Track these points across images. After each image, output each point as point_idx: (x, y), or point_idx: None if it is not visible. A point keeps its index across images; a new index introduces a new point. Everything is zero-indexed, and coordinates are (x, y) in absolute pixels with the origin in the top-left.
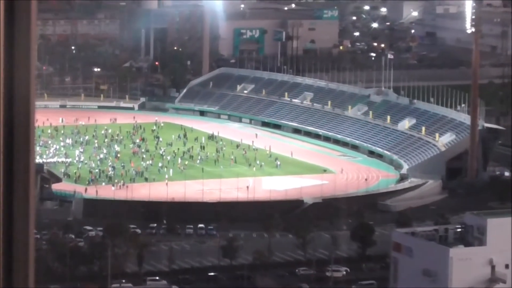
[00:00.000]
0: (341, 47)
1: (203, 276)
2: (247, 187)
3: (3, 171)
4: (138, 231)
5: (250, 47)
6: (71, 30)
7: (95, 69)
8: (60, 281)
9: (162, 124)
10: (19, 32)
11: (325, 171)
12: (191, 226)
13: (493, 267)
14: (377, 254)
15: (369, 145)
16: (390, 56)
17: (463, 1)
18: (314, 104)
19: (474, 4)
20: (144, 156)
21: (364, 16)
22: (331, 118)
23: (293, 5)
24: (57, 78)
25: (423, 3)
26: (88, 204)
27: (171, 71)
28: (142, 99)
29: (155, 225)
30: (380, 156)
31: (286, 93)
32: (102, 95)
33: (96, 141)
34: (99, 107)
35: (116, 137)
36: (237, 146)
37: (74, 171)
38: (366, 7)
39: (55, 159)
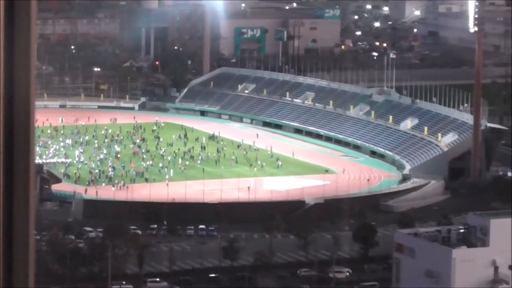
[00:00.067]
0: (342, 47)
1: (204, 277)
2: (248, 187)
3: (3, 171)
4: (139, 232)
5: (251, 47)
6: (71, 29)
7: (95, 69)
8: (60, 283)
9: (162, 124)
10: (19, 32)
11: (326, 171)
12: (192, 227)
13: (496, 268)
14: (379, 255)
15: (371, 145)
16: (392, 55)
17: (466, 0)
18: (316, 104)
19: (477, 3)
20: (145, 156)
21: (366, 15)
22: (333, 118)
23: (295, 4)
24: (57, 77)
25: (426, 2)
26: (88, 205)
27: (171, 71)
28: (143, 99)
29: (156, 226)
30: (382, 156)
31: (287, 93)
32: (102, 95)
33: (96, 141)
34: (99, 107)
35: (116, 137)
36: (238, 146)
37: (74, 171)
38: (368, 6)
39: (55, 160)
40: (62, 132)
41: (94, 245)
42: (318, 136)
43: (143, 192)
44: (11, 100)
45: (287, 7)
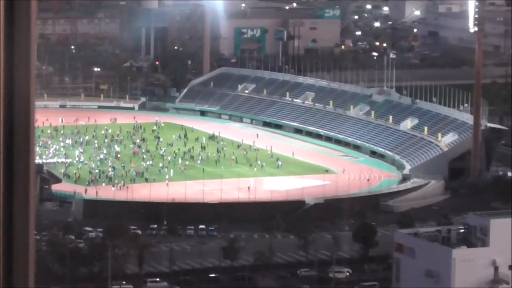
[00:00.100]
0: (343, 47)
1: (204, 277)
2: (248, 187)
3: (3, 171)
4: (139, 232)
5: (251, 47)
6: (71, 29)
7: (95, 69)
8: (60, 283)
9: (162, 124)
10: (19, 32)
11: (326, 171)
12: (192, 227)
13: (496, 268)
14: (379, 255)
15: (371, 145)
16: (392, 55)
17: (466, 0)
18: (316, 104)
19: (477, 3)
20: (145, 156)
21: (366, 15)
22: (333, 118)
23: (295, 4)
24: (56, 77)
25: (426, 2)
26: (88, 205)
27: (171, 71)
28: (143, 99)
29: (156, 226)
30: (382, 156)
31: (287, 93)
32: (102, 95)
33: (96, 141)
34: (99, 107)
35: (116, 137)
36: (238, 146)
37: (74, 171)
38: (368, 6)
39: (54, 160)
40: (62, 132)
41: (94, 245)
42: (318, 136)
43: (143, 192)
44: (11, 100)
45: (287, 7)
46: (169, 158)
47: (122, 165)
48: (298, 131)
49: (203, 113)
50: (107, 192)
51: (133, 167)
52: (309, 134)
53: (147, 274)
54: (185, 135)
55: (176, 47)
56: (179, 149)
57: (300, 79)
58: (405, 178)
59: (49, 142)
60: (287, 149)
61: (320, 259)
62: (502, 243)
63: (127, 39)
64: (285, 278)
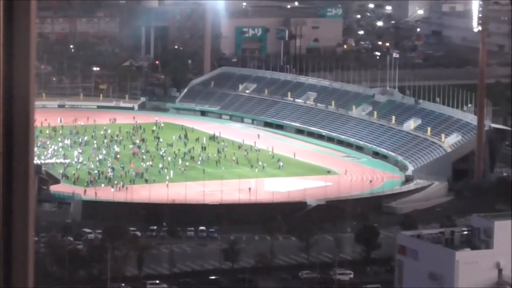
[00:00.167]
0: (345, 46)
1: (204, 280)
2: (249, 188)
3: (2, 171)
4: (138, 233)
5: (253, 46)
6: (70, 28)
7: (94, 68)
8: (58, 285)
9: (162, 124)
10: (18, 32)
11: (328, 172)
12: (192, 229)
13: (500, 271)
14: (382, 257)
15: (374, 146)
16: (395, 55)
17: None
18: (318, 104)
19: (481, 2)
20: (144, 157)
21: (368, 14)
22: (335, 118)
23: (296, 3)
24: (55, 77)
25: (429, 1)
26: (87, 206)
27: (171, 70)
28: (142, 99)
29: (156, 227)
30: (385, 157)
31: (289, 93)
32: (101, 95)
33: (95, 141)
34: (98, 107)
35: (116, 138)
36: (239, 147)
37: (73, 172)
38: (371, 5)
39: (53, 160)
40: (60, 132)
41: (93, 246)
42: (320, 136)
43: (142, 193)
44: (10, 100)
45: (288, 6)
46: (169, 158)
47: (122, 165)
48: (299, 131)
49: (203, 113)
50: (106, 193)
51: (132, 167)
52: (311, 134)
53: (146, 276)
54: (185, 136)
55: (176, 47)
56: (179, 149)
57: (302, 79)
58: (408, 179)
59: (48, 143)
60: (289, 150)
61: (322, 261)
62: (506, 245)
63: (126, 38)
64: (287, 280)
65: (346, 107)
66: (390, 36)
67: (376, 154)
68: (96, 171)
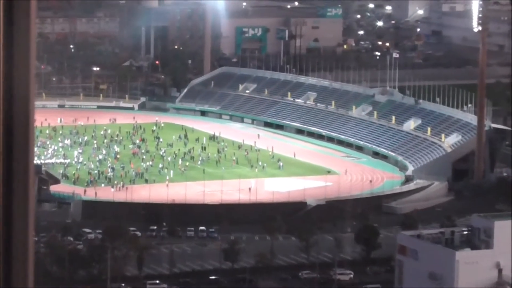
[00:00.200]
0: (345, 46)
1: (204, 280)
2: (249, 188)
3: (2, 171)
4: (138, 233)
5: (253, 46)
6: (70, 28)
7: (94, 68)
8: (58, 285)
9: (162, 125)
10: (18, 32)
11: (328, 172)
12: (192, 229)
13: (500, 271)
14: (382, 257)
15: (374, 146)
16: (395, 55)
17: None
18: (318, 104)
19: (481, 2)
20: (144, 157)
21: (368, 14)
22: (335, 118)
23: (296, 3)
24: (55, 77)
25: (429, 1)
26: (87, 206)
27: (172, 70)
28: (142, 99)
29: (156, 227)
30: (385, 157)
31: (289, 93)
32: (101, 95)
33: (95, 141)
34: (98, 107)
35: (116, 138)
36: (239, 147)
37: (73, 172)
38: (371, 5)
39: (53, 160)
40: (60, 132)
41: (93, 246)
42: (320, 136)
43: (142, 193)
44: (10, 100)
45: (288, 6)
46: (169, 158)
47: (122, 165)
48: (299, 131)
49: (203, 113)
50: (106, 193)
51: (132, 167)
52: (311, 134)
53: (146, 276)
54: (185, 136)
55: (176, 46)
56: (179, 149)
57: (302, 79)
58: (408, 179)
59: (48, 143)
60: (289, 150)
61: (322, 261)
62: (506, 245)
63: (126, 38)
64: (287, 280)
65: (346, 107)
66: (390, 36)
67: (376, 154)
68: (96, 171)
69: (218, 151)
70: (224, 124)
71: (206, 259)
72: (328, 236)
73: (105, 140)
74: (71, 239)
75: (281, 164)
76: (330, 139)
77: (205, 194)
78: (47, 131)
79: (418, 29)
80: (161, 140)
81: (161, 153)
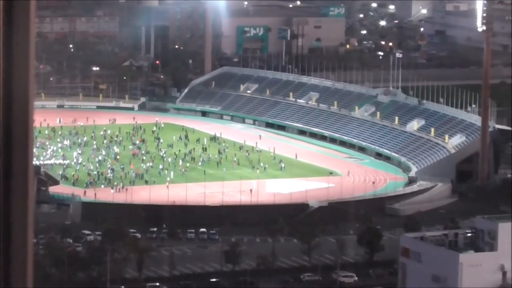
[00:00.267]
0: (347, 46)
1: (205, 282)
2: (251, 190)
3: (1, 172)
4: (138, 235)
5: (254, 46)
6: (69, 27)
7: (94, 68)
8: (57, 287)
9: (162, 125)
10: (17, 32)
11: (331, 173)
12: (193, 231)
13: (504, 273)
14: (385, 259)
15: (377, 147)
16: (398, 55)
17: None
18: (320, 105)
19: (485, 2)
20: (144, 158)
21: (371, 13)
22: (338, 119)
23: (298, 2)
24: (54, 77)
25: (433, 1)
26: (86, 208)
27: (172, 70)
28: (142, 99)
29: (156, 229)
30: (388, 158)
31: (291, 93)
32: (101, 95)
33: (94, 142)
34: (98, 107)
35: (116, 138)
36: (240, 147)
37: (72, 173)
38: (374, 5)
39: (52, 161)
40: (60, 133)
41: (93, 248)
42: (322, 137)
43: (142, 194)
44: (9, 100)
45: (290, 5)
46: (169, 159)
47: (122, 166)
48: (301, 132)
49: (204, 113)
50: (106, 195)
51: (132, 168)
52: (313, 135)
53: (146, 278)
54: (186, 136)
55: (177, 46)
56: (179, 150)
57: (304, 79)
58: (411, 181)
59: (47, 143)
60: (291, 151)
61: (324, 264)
62: (510, 247)
63: (126, 38)
64: (288, 282)
65: (348, 108)
66: (393, 35)
67: (379, 155)
68: (95, 172)
69: (219, 152)
70: (225, 125)
71: (206, 261)
72: (330, 238)
73: (105, 141)
74: (70, 241)
75: (283, 165)
76: (333, 140)
77: (206, 195)
78: (46, 132)
79: (422, 29)
80: (161, 140)
81: (162, 154)
